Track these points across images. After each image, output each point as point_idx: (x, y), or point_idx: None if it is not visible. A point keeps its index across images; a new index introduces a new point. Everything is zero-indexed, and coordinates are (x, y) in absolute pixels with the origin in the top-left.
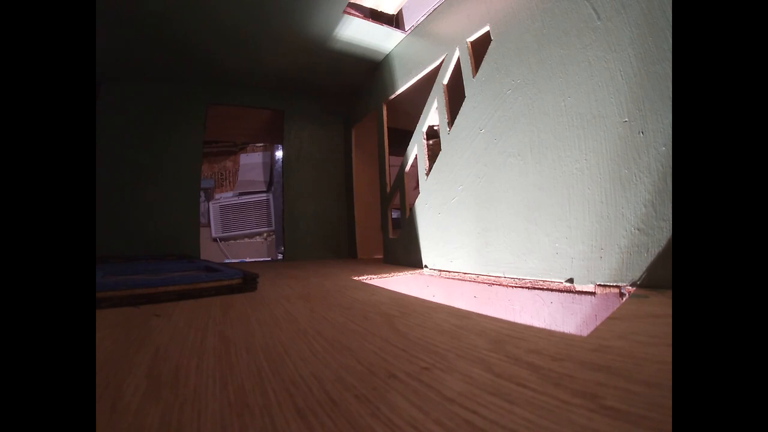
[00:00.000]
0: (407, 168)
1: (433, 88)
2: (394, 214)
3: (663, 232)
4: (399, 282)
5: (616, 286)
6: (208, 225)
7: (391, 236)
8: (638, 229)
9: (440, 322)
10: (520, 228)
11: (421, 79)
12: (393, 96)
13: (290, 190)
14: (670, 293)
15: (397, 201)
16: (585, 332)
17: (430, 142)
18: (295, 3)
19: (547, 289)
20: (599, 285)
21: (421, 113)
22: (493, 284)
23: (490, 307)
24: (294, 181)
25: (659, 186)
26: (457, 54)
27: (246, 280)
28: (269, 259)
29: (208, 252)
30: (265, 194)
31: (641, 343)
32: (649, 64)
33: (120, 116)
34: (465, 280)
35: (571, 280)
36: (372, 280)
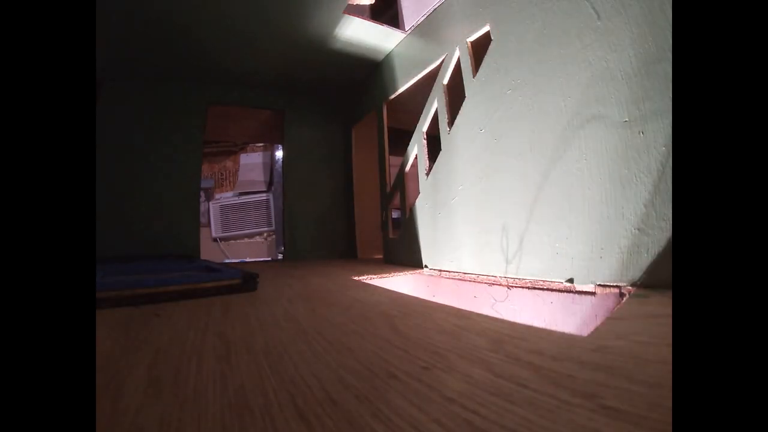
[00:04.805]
0: (407, 168)
1: (433, 88)
2: (394, 214)
3: (663, 232)
4: (399, 282)
5: (616, 286)
6: (208, 225)
7: (391, 236)
8: (638, 229)
9: (440, 322)
10: (520, 228)
11: (421, 79)
12: (393, 96)
13: (290, 190)
14: (670, 293)
15: (397, 201)
16: (585, 332)
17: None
18: (295, 3)
19: (547, 289)
20: (599, 285)
21: (421, 113)
22: (493, 284)
23: (488, 308)
24: (294, 181)
25: (659, 186)
26: (457, 54)
27: (246, 280)
28: (269, 259)
29: (208, 252)
30: (265, 194)
31: (641, 343)
32: (649, 64)
33: (120, 116)
34: (465, 280)
35: (571, 280)
36: (372, 280)
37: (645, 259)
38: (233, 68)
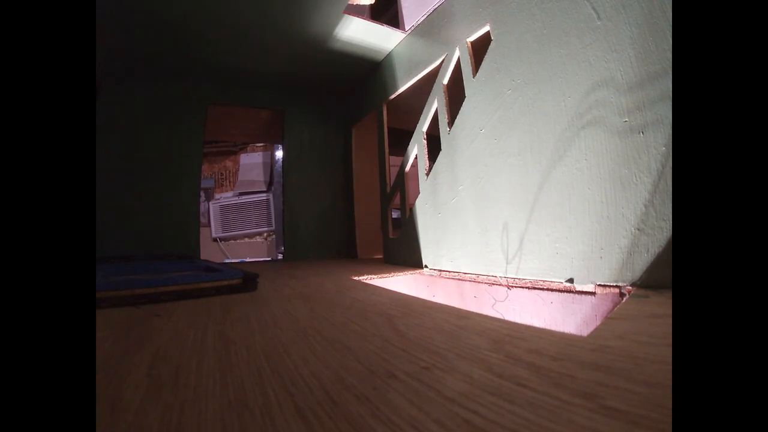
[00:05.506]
0: (407, 168)
1: (433, 88)
2: (394, 214)
3: (663, 232)
4: (399, 282)
5: (616, 286)
6: (208, 225)
7: (391, 236)
8: (638, 229)
9: (440, 322)
10: (520, 228)
11: (421, 79)
12: (393, 96)
13: (290, 190)
14: (670, 293)
15: (397, 201)
16: (585, 332)
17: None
18: (295, 3)
19: (547, 289)
20: (599, 285)
21: (421, 113)
22: (493, 284)
23: (488, 308)
24: (294, 180)
25: (659, 186)
26: (457, 54)
27: (246, 279)
28: (269, 259)
29: (208, 252)
30: (265, 194)
31: (641, 343)
32: (649, 64)
33: (120, 116)
34: (465, 280)
35: (571, 280)
36: (372, 280)
37: (645, 259)
38: (233, 68)
